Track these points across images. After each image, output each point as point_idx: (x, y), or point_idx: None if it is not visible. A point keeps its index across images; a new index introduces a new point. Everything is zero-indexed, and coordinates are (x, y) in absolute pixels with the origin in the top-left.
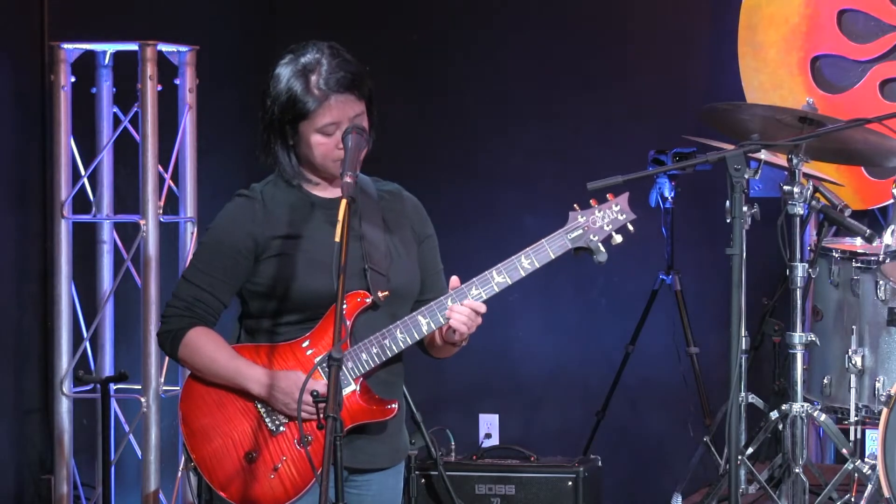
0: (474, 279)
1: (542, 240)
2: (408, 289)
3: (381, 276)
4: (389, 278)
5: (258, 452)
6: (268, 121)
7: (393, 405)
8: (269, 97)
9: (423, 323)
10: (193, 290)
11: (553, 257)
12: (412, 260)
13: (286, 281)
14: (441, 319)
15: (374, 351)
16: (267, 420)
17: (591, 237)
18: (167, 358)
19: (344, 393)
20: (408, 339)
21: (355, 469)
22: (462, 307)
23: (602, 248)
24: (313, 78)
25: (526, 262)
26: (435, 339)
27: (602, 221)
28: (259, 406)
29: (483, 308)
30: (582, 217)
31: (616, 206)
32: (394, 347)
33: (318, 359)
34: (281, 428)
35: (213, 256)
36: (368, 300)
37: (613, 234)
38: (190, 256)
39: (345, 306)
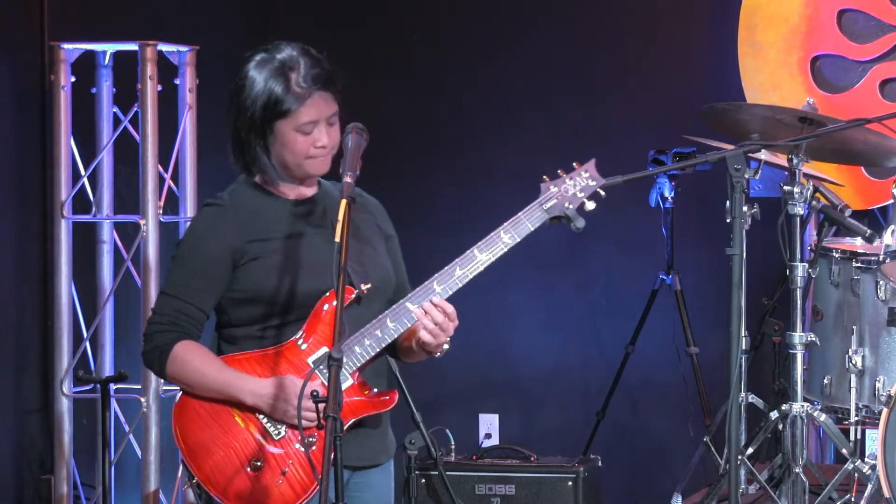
0: (457, 260)
1: (519, 213)
2: (386, 282)
3: (360, 271)
4: (368, 273)
5: (263, 459)
6: (247, 122)
7: (391, 395)
8: (246, 98)
9: (413, 308)
10: (175, 304)
11: (532, 229)
12: (384, 255)
13: (267, 285)
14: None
15: (367, 343)
16: (268, 426)
17: (566, 205)
18: None
19: (342, 388)
20: (399, 327)
21: (356, 468)
22: (430, 310)
23: (578, 216)
24: (293, 76)
25: (506, 237)
26: (410, 343)
27: (574, 189)
28: (258, 413)
29: (450, 308)
30: (554, 187)
31: (585, 172)
32: (386, 337)
33: (309, 359)
34: (283, 432)
35: (191, 268)
36: (353, 295)
37: (585, 200)
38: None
39: (332, 303)
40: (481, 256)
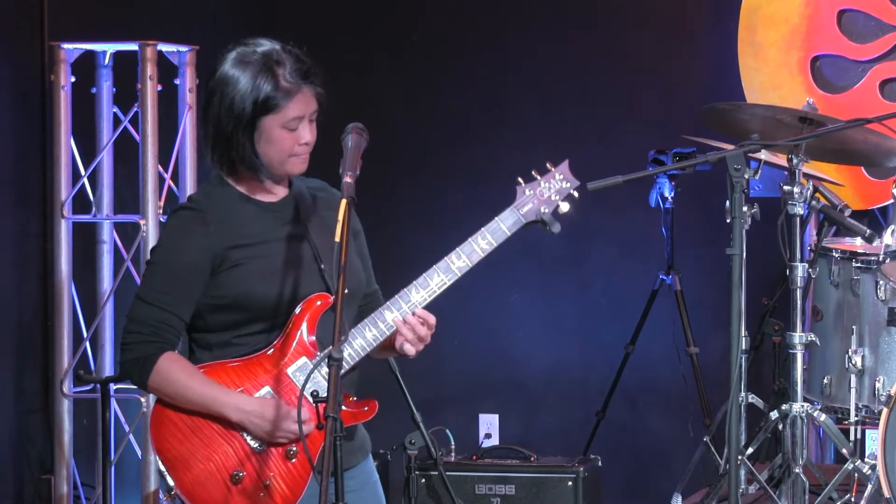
0: (435, 266)
1: (495, 218)
2: (360, 286)
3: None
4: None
5: (244, 472)
6: (234, 119)
7: (371, 405)
8: (233, 95)
9: (390, 317)
10: (156, 313)
11: (509, 234)
12: (355, 254)
13: (247, 292)
14: (407, 310)
15: (348, 352)
16: (249, 439)
17: (542, 209)
18: None
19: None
20: (378, 335)
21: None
22: (413, 323)
23: (554, 220)
24: (280, 71)
25: (483, 242)
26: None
27: (549, 192)
28: (240, 427)
29: (432, 319)
30: (529, 190)
31: (559, 175)
32: (366, 346)
33: (288, 369)
34: (264, 445)
35: (170, 275)
36: (329, 301)
37: (560, 203)
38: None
39: (310, 310)
40: (458, 263)
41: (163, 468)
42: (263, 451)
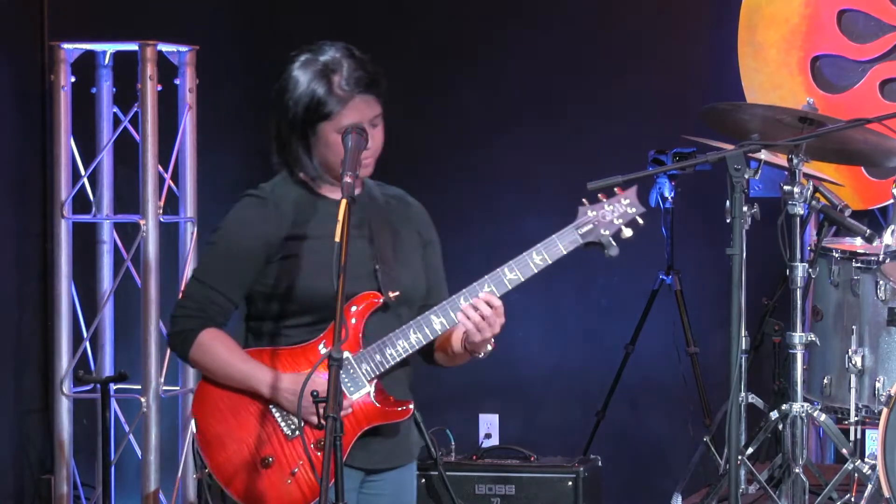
0: (486, 276)
1: (553, 235)
2: (416, 290)
3: (391, 277)
4: (399, 279)
5: (274, 457)
6: (289, 123)
7: (408, 406)
8: (289, 99)
9: (437, 322)
10: (206, 291)
11: (565, 252)
12: (419, 262)
13: (297, 282)
14: (454, 318)
15: (389, 352)
16: (283, 425)
17: (602, 231)
18: (167, 358)
19: (359, 395)
20: (421, 339)
21: (371, 470)
22: (476, 303)
23: (613, 243)
24: (336, 78)
25: (538, 258)
26: (450, 346)
27: (612, 216)
28: (274, 411)
29: (497, 301)
30: (592, 212)
31: (626, 199)
32: (408, 348)
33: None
34: (297, 432)
35: (225, 257)
36: (380, 300)
37: (623, 227)
38: (191, 255)
39: (359, 307)
40: (510, 276)
41: (198, 444)
42: (295, 440)
